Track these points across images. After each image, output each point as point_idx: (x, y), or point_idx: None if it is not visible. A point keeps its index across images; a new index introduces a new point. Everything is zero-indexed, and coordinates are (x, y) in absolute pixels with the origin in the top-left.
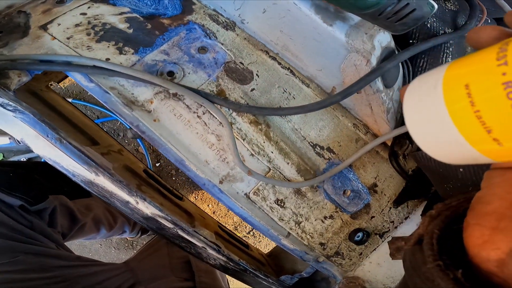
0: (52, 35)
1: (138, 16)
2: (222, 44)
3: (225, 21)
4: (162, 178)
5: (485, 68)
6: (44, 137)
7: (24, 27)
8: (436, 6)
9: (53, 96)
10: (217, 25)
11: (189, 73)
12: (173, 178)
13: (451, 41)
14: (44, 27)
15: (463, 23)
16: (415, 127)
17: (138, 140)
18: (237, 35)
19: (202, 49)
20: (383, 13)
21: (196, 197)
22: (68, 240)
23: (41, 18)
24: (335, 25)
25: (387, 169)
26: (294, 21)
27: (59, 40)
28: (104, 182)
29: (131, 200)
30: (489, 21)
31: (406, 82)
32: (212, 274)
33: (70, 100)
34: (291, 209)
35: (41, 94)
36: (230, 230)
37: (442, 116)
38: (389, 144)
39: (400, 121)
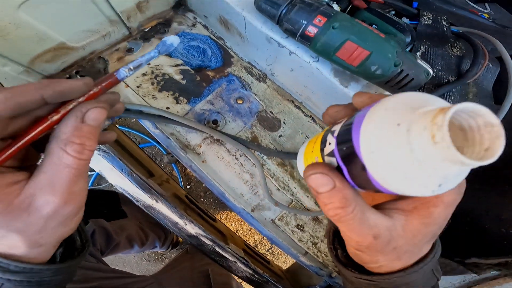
0: (126, 83)
1: (189, 68)
2: (256, 94)
3: (258, 73)
4: (193, 193)
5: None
6: (119, 171)
7: (104, 73)
8: (431, 72)
9: (119, 133)
10: (251, 77)
11: (229, 121)
12: (202, 200)
13: (453, 90)
14: None
15: (467, 68)
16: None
17: (172, 164)
18: (268, 86)
19: (240, 99)
20: (389, 82)
21: (221, 217)
22: (105, 256)
23: (116, 65)
24: (350, 86)
25: None
26: (316, 81)
27: (131, 88)
28: (161, 207)
29: (181, 222)
30: (491, 65)
31: None
32: (228, 287)
33: (118, 126)
34: (309, 233)
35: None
36: (254, 247)
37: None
38: None
39: None
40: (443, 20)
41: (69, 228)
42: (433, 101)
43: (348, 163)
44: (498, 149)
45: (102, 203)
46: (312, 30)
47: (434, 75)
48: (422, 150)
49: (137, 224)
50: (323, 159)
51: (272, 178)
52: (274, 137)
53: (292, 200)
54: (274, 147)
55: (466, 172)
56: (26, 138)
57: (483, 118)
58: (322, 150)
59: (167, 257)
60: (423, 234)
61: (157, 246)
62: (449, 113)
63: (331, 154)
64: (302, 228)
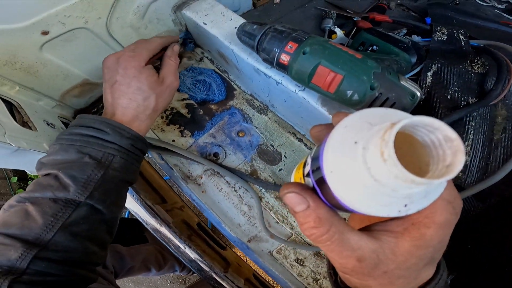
0: None
1: (194, 102)
2: (257, 127)
3: (259, 105)
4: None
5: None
6: (131, 196)
7: None
8: (419, 94)
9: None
10: (253, 110)
11: (230, 154)
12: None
13: (474, 113)
14: None
15: (491, 87)
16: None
17: None
18: (269, 118)
19: (241, 132)
20: (371, 107)
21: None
22: (120, 278)
23: None
24: None
25: None
26: (307, 111)
27: None
28: (165, 231)
29: (181, 246)
30: None
31: None
32: None
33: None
34: (310, 268)
35: None
36: (264, 279)
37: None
38: None
39: None
40: (460, 34)
41: (171, 99)
42: (392, 117)
43: (320, 183)
44: (458, 164)
45: (126, 229)
46: (285, 58)
47: (449, 97)
48: (375, 168)
49: (157, 248)
50: (304, 179)
51: (270, 211)
52: (274, 171)
53: (292, 234)
54: (273, 181)
55: (436, 191)
56: (159, 55)
57: (441, 132)
58: (303, 171)
59: (190, 281)
60: (417, 257)
61: (177, 270)
62: (394, 129)
63: (308, 174)
64: (302, 263)
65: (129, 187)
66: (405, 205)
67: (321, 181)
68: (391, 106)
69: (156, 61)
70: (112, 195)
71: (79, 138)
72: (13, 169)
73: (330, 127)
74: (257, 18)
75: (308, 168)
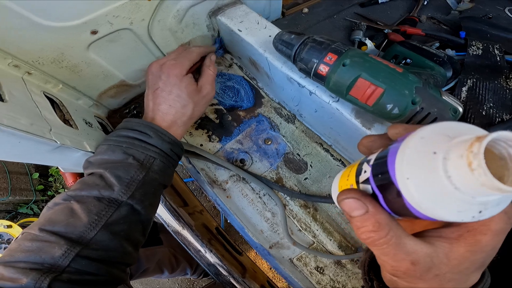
0: None
1: (223, 108)
2: (284, 136)
3: (287, 114)
4: (231, 231)
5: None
6: None
7: None
8: (461, 109)
9: None
10: (280, 118)
11: (256, 161)
12: (240, 234)
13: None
14: None
15: None
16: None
17: None
18: (296, 127)
19: (268, 140)
20: (409, 123)
21: (255, 255)
22: (135, 279)
23: None
24: (373, 128)
25: None
26: (339, 122)
27: None
28: (186, 234)
29: (202, 249)
30: None
31: None
32: None
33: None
34: (329, 276)
35: None
36: (276, 286)
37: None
38: None
39: None
40: (495, 49)
41: (203, 111)
42: (470, 130)
43: (383, 190)
44: None
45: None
46: (323, 69)
47: (484, 113)
48: (459, 177)
49: (171, 251)
50: (358, 186)
51: (294, 218)
52: (299, 179)
53: (314, 242)
54: (298, 189)
55: (507, 200)
56: (198, 64)
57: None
58: (357, 177)
59: (198, 285)
60: (470, 262)
61: (188, 273)
62: (485, 141)
63: (366, 181)
64: (322, 271)
65: None
66: (480, 212)
67: (384, 188)
68: (433, 121)
69: (195, 71)
70: (150, 197)
71: (126, 140)
72: (34, 165)
73: (383, 138)
74: (286, 27)
75: (366, 175)
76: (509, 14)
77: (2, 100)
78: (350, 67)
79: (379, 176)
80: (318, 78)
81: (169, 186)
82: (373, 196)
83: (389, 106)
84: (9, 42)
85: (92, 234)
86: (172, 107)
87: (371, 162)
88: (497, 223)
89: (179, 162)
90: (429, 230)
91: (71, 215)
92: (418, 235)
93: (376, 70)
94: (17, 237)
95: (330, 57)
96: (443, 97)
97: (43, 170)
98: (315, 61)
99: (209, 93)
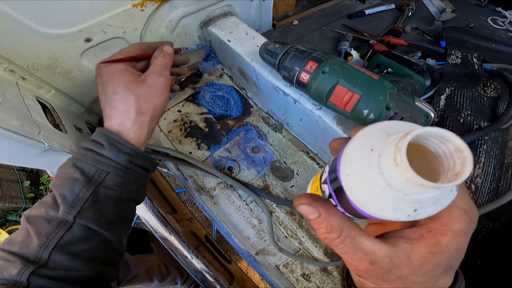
0: (160, 128)
1: (212, 117)
2: (271, 145)
3: (275, 123)
4: (223, 242)
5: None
6: (144, 204)
7: None
8: (432, 115)
9: (156, 173)
10: (268, 127)
11: (243, 169)
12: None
13: (486, 137)
14: None
15: (503, 111)
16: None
17: None
18: (283, 136)
19: (256, 148)
20: None
21: (247, 265)
22: (122, 286)
23: None
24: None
25: None
26: (322, 129)
27: (163, 133)
28: (173, 240)
29: (188, 255)
30: None
31: None
32: None
33: (166, 170)
34: (316, 283)
35: None
36: None
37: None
38: None
39: None
40: (474, 58)
41: (162, 101)
42: (409, 128)
43: (336, 190)
44: (465, 173)
45: (133, 238)
46: (305, 76)
47: (462, 121)
48: (389, 173)
49: (161, 260)
50: (321, 186)
51: (280, 225)
52: (286, 187)
53: (300, 249)
54: (285, 196)
55: (446, 199)
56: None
57: (452, 143)
58: (320, 179)
59: None
60: (433, 264)
61: (178, 283)
62: (409, 136)
63: (325, 181)
64: (308, 278)
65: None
66: (415, 210)
67: (338, 189)
68: None
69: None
70: (109, 214)
71: (80, 152)
72: (26, 173)
73: (349, 140)
74: (276, 38)
75: (325, 175)
76: (491, 23)
77: None
78: (329, 74)
79: (332, 175)
80: (301, 85)
81: (158, 193)
82: (331, 196)
83: (365, 112)
84: (7, 47)
85: (46, 255)
86: (113, 107)
87: (329, 164)
88: (457, 223)
89: (169, 172)
90: (392, 232)
91: (26, 236)
92: (382, 236)
93: (353, 77)
94: None
95: (311, 65)
96: (416, 103)
97: (35, 179)
98: (297, 69)
99: (155, 81)
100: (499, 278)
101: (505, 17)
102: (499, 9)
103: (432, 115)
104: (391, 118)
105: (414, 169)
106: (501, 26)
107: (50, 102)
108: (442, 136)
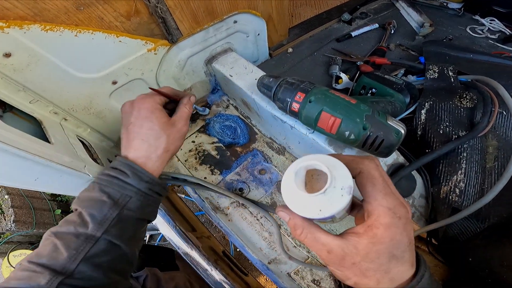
0: (177, 157)
1: (222, 145)
2: (276, 166)
3: (278, 147)
4: (241, 259)
5: None
6: (167, 224)
7: None
8: (403, 131)
9: (175, 196)
10: (272, 151)
11: (252, 189)
12: (249, 261)
13: (465, 145)
14: None
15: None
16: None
17: None
18: (286, 158)
19: (262, 171)
20: (365, 145)
21: (266, 279)
22: None
23: None
24: (344, 152)
25: (429, 261)
26: (318, 150)
27: (181, 162)
28: (194, 255)
29: (208, 268)
30: (505, 113)
31: (427, 188)
32: None
33: (183, 196)
34: None
35: (169, 195)
36: None
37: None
38: None
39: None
40: (449, 71)
41: (181, 144)
42: (313, 159)
43: None
44: (323, 186)
45: (161, 256)
46: (295, 106)
47: (441, 132)
48: (294, 190)
49: (186, 277)
50: None
51: (289, 236)
52: None
53: (308, 257)
54: None
55: (339, 202)
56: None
57: (319, 168)
58: None
59: None
60: (375, 252)
61: None
62: (293, 166)
63: None
64: (318, 284)
65: (167, 216)
66: (320, 210)
67: None
68: (381, 143)
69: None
70: (129, 232)
71: (105, 178)
72: (57, 203)
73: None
74: (274, 66)
75: None
76: (471, 33)
77: (49, 142)
78: (314, 103)
79: None
80: (293, 114)
81: (179, 214)
82: None
83: (347, 133)
84: (51, 91)
85: (74, 266)
86: (144, 141)
87: None
88: (383, 218)
89: (186, 197)
90: (349, 228)
91: (54, 250)
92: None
93: (334, 103)
94: (15, 268)
95: (299, 96)
96: (388, 122)
97: (65, 208)
98: (288, 100)
99: (182, 128)
100: (488, 273)
101: (483, 24)
102: (477, 17)
103: (403, 131)
104: (368, 137)
105: (318, 185)
106: (480, 34)
107: (87, 139)
108: (313, 166)
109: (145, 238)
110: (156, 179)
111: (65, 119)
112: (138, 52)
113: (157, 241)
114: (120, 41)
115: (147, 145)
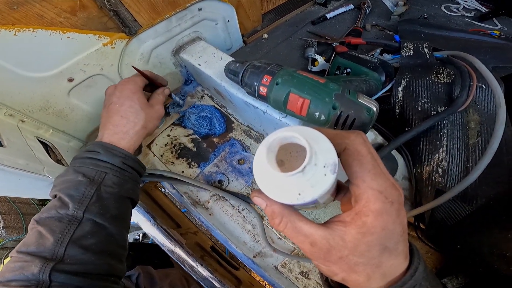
0: (153, 153)
1: (198, 137)
2: (254, 155)
3: (256, 135)
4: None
5: None
6: (149, 222)
7: (139, 146)
8: (375, 108)
9: (158, 193)
10: (250, 139)
11: (232, 180)
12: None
13: (445, 121)
14: (149, 146)
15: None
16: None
17: None
18: None
19: (241, 160)
20: (336, 126)
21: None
22: None
23: (148, 138)
24: None
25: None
26: None
27: (157, 157)
28: (179, 252)
29: (194, 265)
30: (484, 87)
31: (409, 168)
32: None
33: (160, 189)
34: (315, 280)
35: (150, 192)
36: None
37: None
38: None
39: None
40: (425, 48)
41: (157, 124)
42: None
43: None
44: (302, 163)
45: (155, 253)
46: (263, 90)
47: (419, 109)
48: (270, 169)
49: (182, 273)
50: None
51: (272, 228)
52: None
53: (294, 248)
54: None
55: (322, 183)
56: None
57: (297, 141)
58: None
59: None
60: (365, 244)
61: None
62: (265, 141)
63: None
64: (307, 276)
65: (147, 214)
66: (299, 194)
67: None
68: (353, 122)
69: (147, 89)
70: (111, 210)
71: (78, 160)
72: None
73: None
74: (249, 53)
75: None
76: (445, 11)
77: (2, 146)
78: (282, 85)
79: None
80: (262, 98)
81: (162, 212)
82: None
83: (317, 114)
84: (2, 94)
85: (62, 250)
86: (123, 117)
87: None
88: (374, 203)
89: (170, 190)
90: (334, 216)
91: (40, 237)
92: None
93: (302, 84)
94: (8, 261)
95: (266, 79)
96: (359, 100)
97: None
98: (255, 84)
99: (159, 110)
100: (478, 261)
101: (458, 3)
102: None
103: (375, 109)
104: (339, 117)
105: (297, 164)
106: (455, 12)
107: (50, 140)
108: (287, 138)
109: (138, 237)
110: (130, 154)
111: (22, 121)
112: (92, 47)
113: (151, 239)
114: (69, 37)
115: (125, 120)
